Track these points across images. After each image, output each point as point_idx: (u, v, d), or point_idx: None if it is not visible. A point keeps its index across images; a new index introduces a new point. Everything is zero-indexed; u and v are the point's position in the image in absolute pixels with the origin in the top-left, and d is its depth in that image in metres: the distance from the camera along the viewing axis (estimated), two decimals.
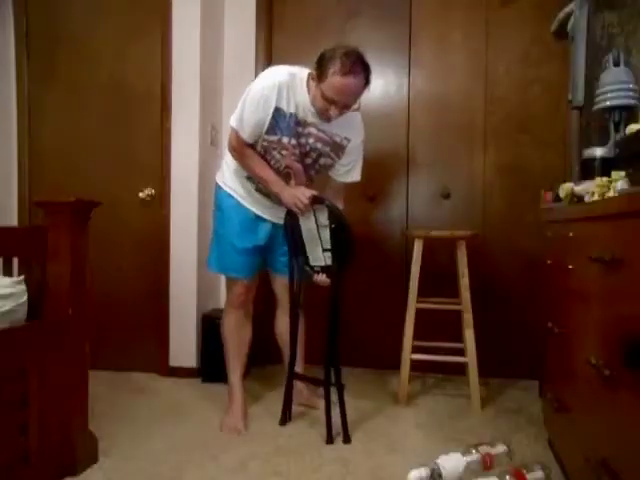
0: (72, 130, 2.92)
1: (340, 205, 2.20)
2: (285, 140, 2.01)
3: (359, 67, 1.85)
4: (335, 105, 1.90)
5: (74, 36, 2.90)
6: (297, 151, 2.05)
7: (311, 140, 2.04)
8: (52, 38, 2.93)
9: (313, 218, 2.00)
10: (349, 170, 2.17)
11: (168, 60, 2.75)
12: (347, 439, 1.99)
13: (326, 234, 1.98)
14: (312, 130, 2.02)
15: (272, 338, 2.44)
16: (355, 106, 2.00)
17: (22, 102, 2.95)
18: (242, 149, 2.04)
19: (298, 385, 2.36)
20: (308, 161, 2.11)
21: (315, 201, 1.96)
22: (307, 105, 1.96)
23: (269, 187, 2.06)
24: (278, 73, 1.95)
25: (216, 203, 2.23)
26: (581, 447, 1.32)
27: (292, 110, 1.97)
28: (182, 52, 2.74)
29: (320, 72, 1.87)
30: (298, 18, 3.00)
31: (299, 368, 2.39)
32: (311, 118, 1.99)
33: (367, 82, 1.91)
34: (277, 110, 1.95)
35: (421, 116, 2.89)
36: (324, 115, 1.96)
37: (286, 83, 1.93)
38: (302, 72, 1.97)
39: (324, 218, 1.97)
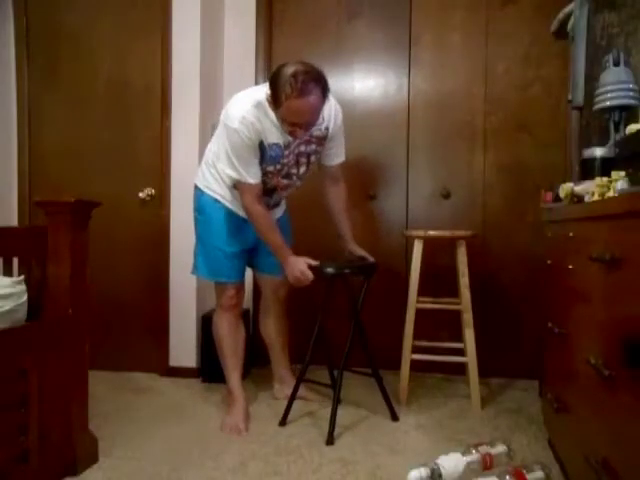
0: (72, 129, 2.92)
1: (342, 185, 2.28)
2: (270, 168, 2.04)
3: (310, 84, 1.79)
4: (299, 126, 1.89)
5: (74, 35, 2.91)
6: (283, 171, 2.08)
7: (297, 149, 2.06)
8: (52, 37, 2.93)
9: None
10: (334, 153, 2.20)
11: (168, 59, 2.75)
12: (395, 417, 2.15)
13: None
14: (296, 142, 2.03)
15: None
16: (319, 120, 1.98)
17: (22, 102, 2.95)
18: (255, 204, 2.00)
19: (285, 379, 2.39)
20: (302, 169, 2.14)
21: (318, 269, 2.00)
22: (279, 125, 1.94)
23: (274, 252, 2.06)
24: (244, 111, 1.90)
25: (199, 208, 2.19)
26: (581, 447, 1.32)
27: (271, 141, 1.97)
28: (182, 51, 2.74)
29: (274, 99, 1.84)
30: (298, 18, 3.00)
31: (285, 367, 2.42)
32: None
33: (325, 94, 1.86)
34: (260, 144, 1.96)
35: (421, 116, 2.89)
36: (292, 136, 1.96)
37: (256, 119, 1.91)
38: (264, 94, 1.92)
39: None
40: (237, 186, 2.04)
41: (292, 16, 3.01)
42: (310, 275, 1.98)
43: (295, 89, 1.76)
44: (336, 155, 2.21)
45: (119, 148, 2.87)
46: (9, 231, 2.08)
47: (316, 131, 2.06)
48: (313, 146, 2.10)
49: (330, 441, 1.95)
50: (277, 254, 2.06)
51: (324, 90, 1.85)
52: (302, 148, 2.07)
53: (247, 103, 1.92)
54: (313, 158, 2.15)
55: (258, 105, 1.91)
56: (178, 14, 2.73)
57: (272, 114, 1.92)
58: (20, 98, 2.95)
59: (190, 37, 2.73)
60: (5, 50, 2.93)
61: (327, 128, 2.09)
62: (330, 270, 2.02)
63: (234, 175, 1.98)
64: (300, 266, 1.99)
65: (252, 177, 1.98)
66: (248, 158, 1.95)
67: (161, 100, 2.78)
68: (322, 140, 2.11)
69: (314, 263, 2.00)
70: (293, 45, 2.99)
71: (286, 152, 2.02)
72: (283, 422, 2.12)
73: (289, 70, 1.79)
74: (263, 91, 1.93)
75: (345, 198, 2.29)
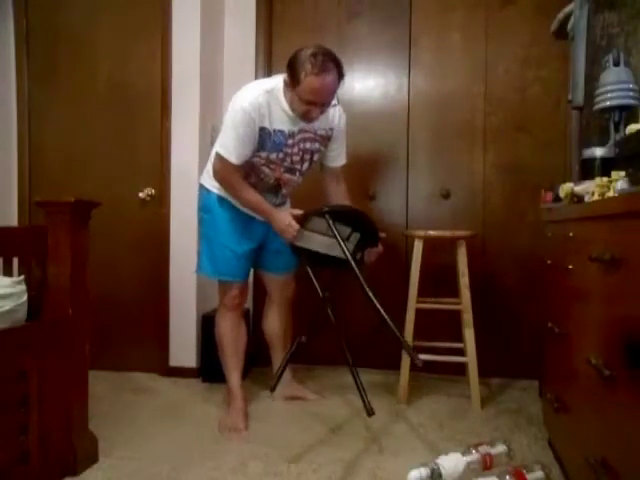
0: (72, 130, 2.92)
1: (343, 185, 2.28)
2: (273, 156, 2.05)
3: (329, 64, 1.86)
4: (315, 105, 1.92)
5: (74, 36, 2.91)
6: (286, 162, 2.09)
7: (302, 145, 2.08)
8: (52, 38, 2.93)
9: (317, 236, 2.02)
10: (337, 154, 2.23)
11: (168, 60, 2.75)
12: (370, 412, 1.93)
13: (338, 233, 1.97)
14: (301, 135, 2.06)
15: None
16: (334, 102, 2.02)
17: (22, 102, 2.95)
18: (230, 175, 2.03)
19: (285, 379, 2.39)
20: (305, 166, 2.16)
21: (303, 218, 1.98)
22: (290, 114, 1.98)
23: (258, 213, 2.08)
24: (255, 93, 1.95)
25: (204, 206, 2.20)
26: (581, 447, 1.32)
27: (276, 127, 1.99)
28: (182, 52, 2.74)
29: (292, 77, 1.89)
30: (298, 18, 3.00)
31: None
32: (298, 125, 2.02)
33: (341, 76, 1.92)
34: (262, 129, 1.97)
35: (421, 116, 2.89)
36: (306, 117, 1.98)
37: (266, 102, 1.94)
38: (278, 83, 1.98)
39: (323, 226, 1.98)
40: (214, 160, 2.04)
41: (292, 16, 3.01)
42: (295, 225, 1.98)
43: (315, 66, 1.83)
44: (339, 156, 2.25)
45: (119, 148, 2.87)
46: (9, 231, 2.08)
47: (320, 130, 2.10)
48: (317, 144, 2.13)
49: (273, 388, 1.95)
50: (260, 212, 2.08)
51: (340, 73, 1.91)
52: (307, 145, 2.09)
53: (260, 88, 1.97)
54: (316, 157, 2.17)
55: (270, 91, 1.96)
56: (178, 14, 2.73)
57: (283, 101, 1.96)
58: (20, 98, 2.95)
59: (190, 37, 2.73)
60: (5, 50, 2.93)
61: (331, 129, 2.13)
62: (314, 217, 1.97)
63: (220, 150, 1.99)
64: (285, 220, 1.99)
65: (236, 156, 1.98)
66: (243, 138, 1.95)
67: (161, 100, 2.78)
68: (326, 140, 2.15)
69: (298, 212, 2.00)
70: (293, 45, 2.92)
71: (290, 141, 2.04)
72: (273, 388, 1.99)
73: (309, 51, 1.86)
74: (276, 81, 1.99)
75: (347, 195, 2.30)
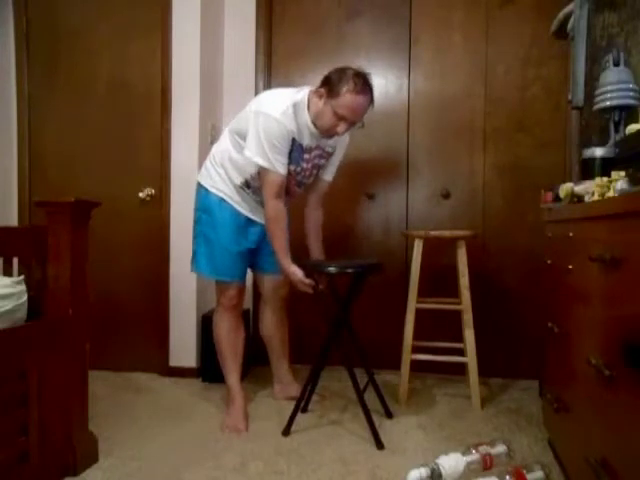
0: (72, 130, 2.92)
1: (321, 211, 2.32)
2: (292, 168, 2.08)
3: (368, 87, 1.96)
4: (344, 121, 1.97)
5: (74, 36, 2.91)
6: (299, 176, 2.13)
7: (314, 161, 2.13)
8: (52, 38, 2.93)
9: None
10: (332, 168, 2.27)
11: (168, 60, 2.76)
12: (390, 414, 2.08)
13: None
14: (315, 152, 2.11)
15: None
16: (359, 124, 2.06)
17: (22, 102, 2.95)
18: (278, 198, 2.02)
19: (285, 379, 2.39)
20: (311, 180, 2.21)
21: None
22: (311, 128, 2.02)
23: (277, 256, 2.07)
24: (283, 105, 1.96)
25: (202, 206, 2.19)
26: (581, 447, 1.32)
27: (300, 140, 2.04)
28: (182, 51, 2.74)
29: (331, 89, 1.94)
30: (298, 18, 3.00)
31: (285, 368, 2.43)
32: (314, 142, 2.07)
33: (372, 101, 2.01)
34: (293, 140, 2.01)
35: (421, 116, 2.89)
36: (330, 132, 2.02)
37: (293, 114, 1.98)
38: (304, 97, 2.01)
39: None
40: (262, 176, 2.03)
41: (292, 16, 3.01)
42: (309, 290, 2.03)
43: (358, 84, 1.93)
44: (332, 170, 2.27)
45: (119, 148, 2.87)
46: (9, 231, 2.08)
47: (328, 148, 2.15)
48: (323, 160, 2.18)
49: (286, 432, 2.00)
50: (278, 256, 2.07)
51: (372, 99, 2.01)
52: (316, 161, 2.14)
53: (287, 99, 1.99)
54: (320, 171, 2.23)
55: (295, 105, 1.99)
56: (178, 14, 2.73)
57: (307, 115, 2.00)
58: (20, 98, 2.95)
59: (190, 37, 2.73)
60: (5, 50, 2.93)
61: (336, 146, 2.19)
62: (330, 269, 2.00)
63: (264, 163, 1.98)
64: (296, 279, 2.04)
65: (281, 167, 2.00)
66: (281, 148, 1.98)
67: (161, 100, 2.78)
68: (330, 156, 2.20)
69: (308, 282, 2.02)
70: (293, 45, 2.99)
71: (306, 156, 2.08)
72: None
73: (351, 70, 1.96)
74: (300, 95, 2.01)
75: (321, 224, 2.33)
